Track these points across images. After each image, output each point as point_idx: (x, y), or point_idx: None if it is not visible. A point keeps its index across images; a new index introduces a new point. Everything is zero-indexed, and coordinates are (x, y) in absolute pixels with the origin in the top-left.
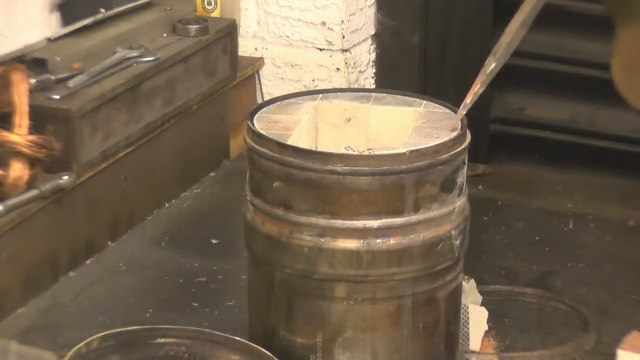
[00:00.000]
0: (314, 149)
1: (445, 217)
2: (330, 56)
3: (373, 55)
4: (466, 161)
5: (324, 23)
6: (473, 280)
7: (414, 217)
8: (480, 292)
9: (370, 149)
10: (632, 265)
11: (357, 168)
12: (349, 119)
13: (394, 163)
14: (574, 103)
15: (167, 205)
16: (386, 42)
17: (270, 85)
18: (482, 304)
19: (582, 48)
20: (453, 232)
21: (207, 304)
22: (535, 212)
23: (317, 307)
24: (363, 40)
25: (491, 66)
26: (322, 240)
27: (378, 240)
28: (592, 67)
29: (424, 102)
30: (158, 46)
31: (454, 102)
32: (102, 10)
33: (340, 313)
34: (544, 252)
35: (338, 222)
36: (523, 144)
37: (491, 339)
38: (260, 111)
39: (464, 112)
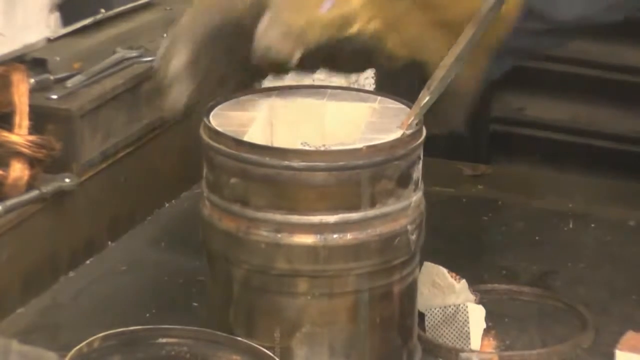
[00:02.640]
0: (269, 145)
1: (401, 212)
2: None
3: None
4: (422, 156)
5: None
6: (464, 280)
7: (371, 212)
8: (478, 291)
9: (324, 145)
10: (632, 265)
11: (313, 164)
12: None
13: (350, 158)
14: (574, 103)
15: (167, 205)
16: None
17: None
18: (481, 303)
19: (582, 48)
20: (409, 227)
21: (207, 304)
22: (535, 212)
23: (275, 302)
24: None
25: (425, 99)
26: (279, 235)
27: (335, 236)
28: (592, 67)
29: (379, 97)
30: (158, 46)
31: None
32: (102, 10)
33: (298, 308)
34: (544, 252)
35: (295, 218)
36: (523, 144)
37: (491, 338)
38: (217, 108)
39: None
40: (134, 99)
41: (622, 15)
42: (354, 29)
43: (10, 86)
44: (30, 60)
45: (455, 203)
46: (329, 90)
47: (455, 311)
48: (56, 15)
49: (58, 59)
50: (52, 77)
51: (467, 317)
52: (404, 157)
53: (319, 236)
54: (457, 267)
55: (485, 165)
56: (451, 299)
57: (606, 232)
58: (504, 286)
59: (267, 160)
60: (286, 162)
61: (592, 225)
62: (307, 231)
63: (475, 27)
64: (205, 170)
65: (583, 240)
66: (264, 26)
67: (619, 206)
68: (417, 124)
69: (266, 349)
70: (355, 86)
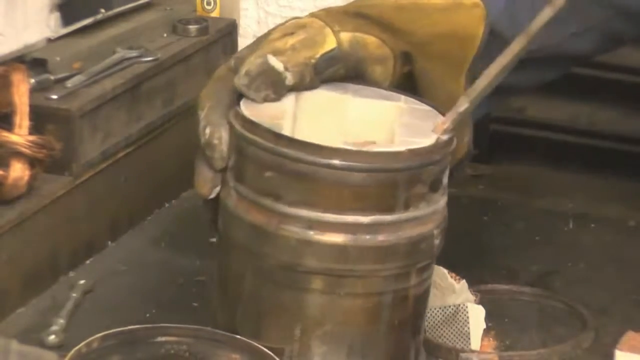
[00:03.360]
0: (308, 141)
1: (430, 216)
2: None
3: None
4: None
5: None
6: (464, 280)
7: (404, 215)
8: (478, 291)
9: (370, 144)
10: (632, 266)
11: (352, 163)
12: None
13: (390, 161)
14: (574, 103)
15: (167, 205)
16: None
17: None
18: (481, 303)
19: None
20: (435, 231)
21: (207, 303)
22: (535, 212)
23: (298, 299)
24: None
25: (464, 106)
26: (311, 232)
27: (367, 237)
28: (592, 67)
29: (403, 97)
30: (158, 46)
31: None
32: (102, 10)
33: (321, 306)
34: (544, 252)
35: (328, 216)
36: (523, 144)
37: (491, 338)
38: (243, 98)
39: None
40: (134, 99)
41: (589, 44)
42: (328, 44)
43: (10, 86)
44: (30, 60)
45: (455, 203)
46: (351, 86)
47: (455, 311)
48: (56, 15)
49: (58, 59)
50: (52, 77)
51: (467, 317)
52: (438, 162)
53: (350, 236)
54: (457, 267)
55: (485, 165)
56: (451, 299)
57: (606, 232)
58: (504, 286)
59: (306, 156)
60: (326, 161)
61: (592, 225)
62: (339, 230)
63: (525, 39)
64: (233, 160)
65: (583, 240)
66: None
67: (619, 206)
68: (451, 130)
69: (283, 343)
70: None
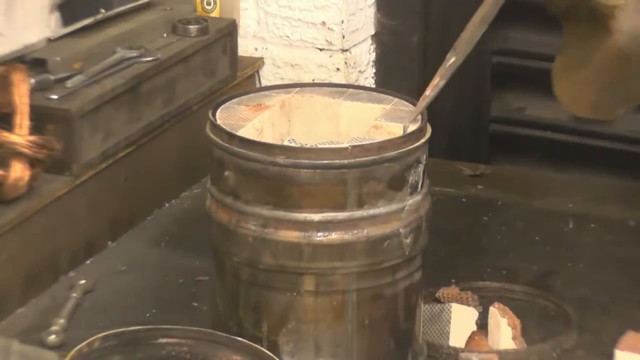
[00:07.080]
0: (260, 140)
1: (392, 214)
2: (330, 56)
3: (373, 55)
4: (424, 160)
5: (324, 23)
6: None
7: (358, 213)
8: (469, 288)
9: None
10: (632, 265)
11: (298, 160)
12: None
13: (336, 157)
14: None
15: (167, 205)
16: (386, 42)
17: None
18: (472, 300)
19: None
20: (402, 230)
21: (207, 303)
22: (535, 212)
23: (262, 296)
24: (363, 40)
25: (450, 60)
26: (266, 230)
27: (319, 234)
28: None
29: (395, 99)
30: (158, 46)
31: (453, 103)
32: (102, 10)
33: (284, 304)
34: (544, 252)
35: (280, 214)
36: (523, 144)
37: (484, 337)
38: (230, 102)
39: (424, 104)
40: (134, 99)
41: None
42: None
43: (10, 86)
44: (30, 60)
45: (455, 203)
46: (350, 90)
47: (440, 310)
48: (56, 15)
49: (58, 59)
50: (52, 77)
51: (450, 317)
52: (396, 159)
53: (303, 234)
54: (456, 267)
55: (485, 165)
56: None
57: (606, 232)
58: (495, 284)
59: (254, 155)
60: (271, 158)
61: (592, 225)
62: (292, 228)
63: None
64: (209, 163)
65: (583, 240)
66: None
67: (619, 206)
68: (419, 126)
69: (254, 340)
70: None
